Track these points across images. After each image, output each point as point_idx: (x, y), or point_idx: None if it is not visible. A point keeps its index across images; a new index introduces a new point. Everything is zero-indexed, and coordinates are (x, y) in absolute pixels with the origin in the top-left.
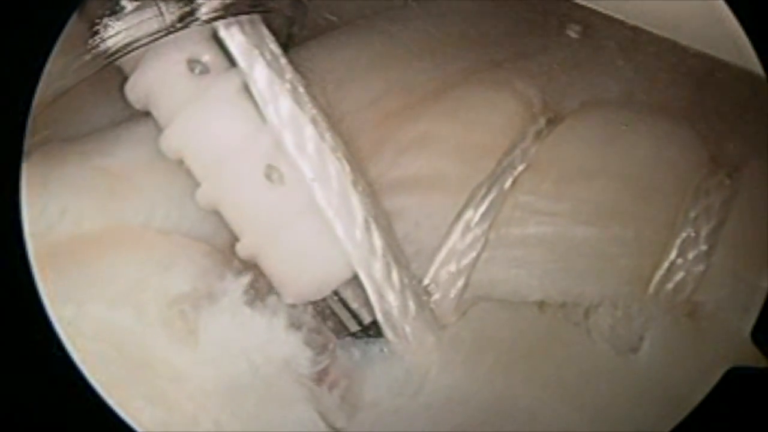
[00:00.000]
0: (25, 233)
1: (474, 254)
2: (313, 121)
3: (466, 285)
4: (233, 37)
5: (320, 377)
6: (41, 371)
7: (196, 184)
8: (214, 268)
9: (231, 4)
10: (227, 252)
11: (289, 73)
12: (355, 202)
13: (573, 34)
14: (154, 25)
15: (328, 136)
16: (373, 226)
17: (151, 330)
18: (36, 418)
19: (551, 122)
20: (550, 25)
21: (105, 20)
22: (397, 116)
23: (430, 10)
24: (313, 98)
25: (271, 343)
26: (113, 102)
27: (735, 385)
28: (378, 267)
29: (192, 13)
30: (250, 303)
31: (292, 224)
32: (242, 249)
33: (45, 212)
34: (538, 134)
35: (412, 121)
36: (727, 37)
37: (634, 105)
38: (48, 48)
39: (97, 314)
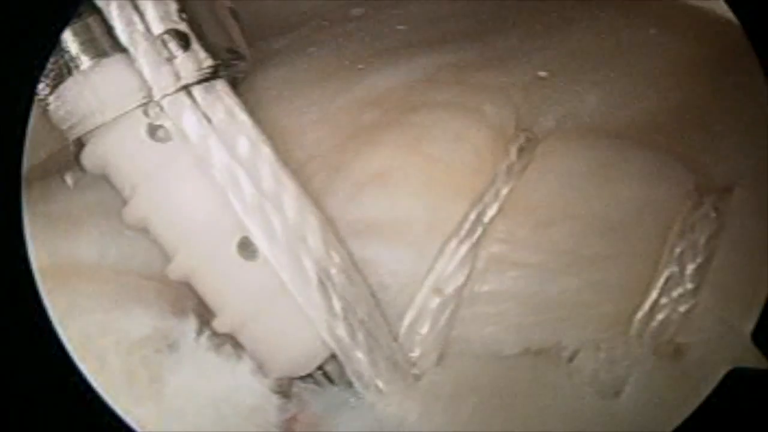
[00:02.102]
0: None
1: (446, 315)
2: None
3: (438, 344)
4: (172, 103)
5: (289, 426)
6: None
7: (167, 258)
8: (170, 309)
9: (205, 69)
10: (180, 292)
11: (247, 134)
12: (309, 265)
13: (549, 33)
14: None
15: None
16: (330, 288)
17: (114, 381)
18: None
19: (523, 150)
20: (523, 21)
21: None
22: (355, 139)
23: (380, 17)
24: (281, 165)
25: (237, 391)
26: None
27: (735, 385)
28: (341, 327)
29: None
30: (213, 348)
31: (270, 302)
32: (220, 326)
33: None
34: (510, 169)
35: (370, 147)
36: None
37: (615, 127)
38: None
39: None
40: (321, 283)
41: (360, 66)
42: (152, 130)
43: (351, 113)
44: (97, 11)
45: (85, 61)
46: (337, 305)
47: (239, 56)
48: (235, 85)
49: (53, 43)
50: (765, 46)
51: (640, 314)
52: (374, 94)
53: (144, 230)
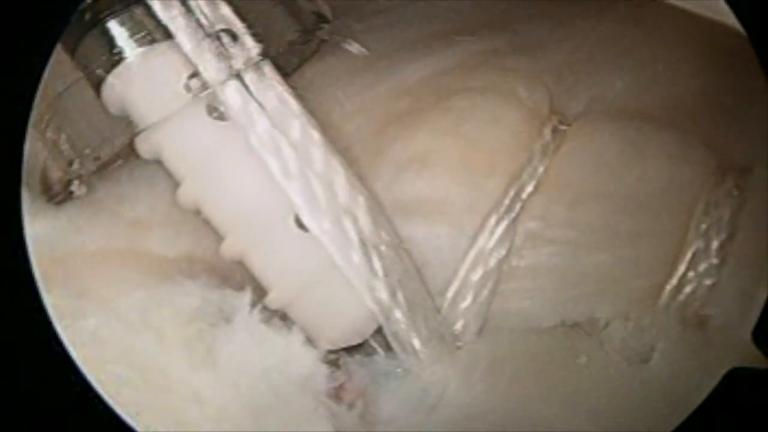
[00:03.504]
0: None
1: (487, 288)
2: (326, 175)
3: (480, 317)
4: (230, 92)
5: (338, 393)
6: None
7: (219, 237)
8: (221, 283)
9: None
10: (228, 267)
11: (299, 119)
12: (358, 241)
13: (578, 20)
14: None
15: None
16: (378, 262)
17: (171, 353)
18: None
19: (556, 131)
20: (552, 8)
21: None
22: (394, 125)
23: (410, 9)
24: (331, 149)
25: (288, 361)
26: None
27: (736, 385)
28: (382, 289)
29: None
30: (265, 321)
31: (322, 275)
32: (274, 302)
33: (57, 245)
34: (545, 148)
35: (410, 132)
36: None
37: (642, 110)
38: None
39: (116, 338)
40: (368, 257)
41: (394, 57)
42: (211, 110)
43: (387, 102)
44: (142, 2)
45: (134, 50)
46: (381, 274)
47: (324, 19)
48: (290, 71)
49: (53, 41)
50: (765, 46)
51: (668, 287)
52: (409, 83)
53: (196, 211)
